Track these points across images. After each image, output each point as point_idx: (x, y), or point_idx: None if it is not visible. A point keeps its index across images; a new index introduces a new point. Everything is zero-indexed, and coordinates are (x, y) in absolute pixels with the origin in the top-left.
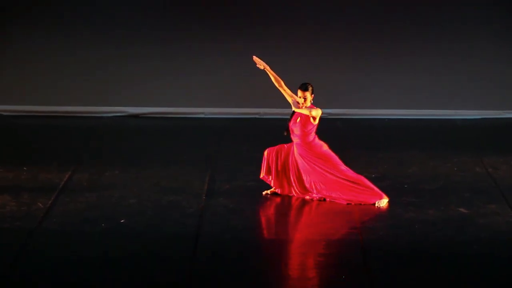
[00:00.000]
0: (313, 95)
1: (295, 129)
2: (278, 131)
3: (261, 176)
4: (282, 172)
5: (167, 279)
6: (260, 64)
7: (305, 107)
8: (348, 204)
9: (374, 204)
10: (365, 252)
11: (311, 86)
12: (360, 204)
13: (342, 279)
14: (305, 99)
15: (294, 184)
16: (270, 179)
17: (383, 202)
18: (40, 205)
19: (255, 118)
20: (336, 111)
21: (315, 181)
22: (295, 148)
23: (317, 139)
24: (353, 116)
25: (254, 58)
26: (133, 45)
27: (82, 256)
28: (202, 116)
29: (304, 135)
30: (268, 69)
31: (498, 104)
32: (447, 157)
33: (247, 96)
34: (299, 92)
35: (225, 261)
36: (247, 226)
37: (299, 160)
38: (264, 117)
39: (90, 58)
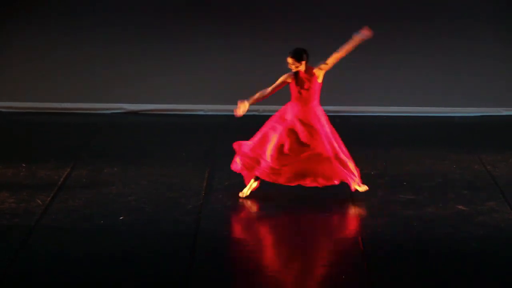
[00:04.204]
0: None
1: (304, 92)
2: None
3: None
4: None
5: (166, 276)
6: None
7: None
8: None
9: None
10: (363, 249)
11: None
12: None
13: (342, 277)
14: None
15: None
16: None
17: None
18: (39, 202)
19: (255, 115)
20: (335, 108)
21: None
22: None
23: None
24: (351, 114)
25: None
26: (132, 42)
27: (80, 253)
28: (202, 113)
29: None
30: (252, 101)
31: (497, 101)
32: (445, 155)
33: (247, 93)
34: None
35: (224, 259)
36: (246, 223)
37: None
38: (264, 113)
39: (89, 55)
